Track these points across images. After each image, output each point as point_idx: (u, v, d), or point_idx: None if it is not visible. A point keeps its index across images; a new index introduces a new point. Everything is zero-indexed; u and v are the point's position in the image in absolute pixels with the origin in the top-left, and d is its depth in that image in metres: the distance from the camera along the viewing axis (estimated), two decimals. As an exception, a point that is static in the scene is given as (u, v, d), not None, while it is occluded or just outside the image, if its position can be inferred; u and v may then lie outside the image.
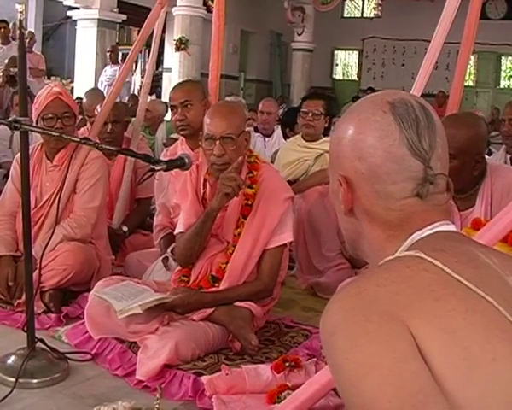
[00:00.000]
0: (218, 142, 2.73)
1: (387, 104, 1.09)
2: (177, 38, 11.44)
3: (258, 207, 2.83)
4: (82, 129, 4.61)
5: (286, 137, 5.77)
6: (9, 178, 3.50)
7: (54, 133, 2.86)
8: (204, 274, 2.85)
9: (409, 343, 0.88)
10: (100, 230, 3.47)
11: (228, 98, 5.56)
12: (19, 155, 3.43)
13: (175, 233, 3.01)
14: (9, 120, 2.46)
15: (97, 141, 3.38)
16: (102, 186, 3.42)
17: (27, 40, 9.87)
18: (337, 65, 19.77)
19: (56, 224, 2.70)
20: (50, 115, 3.24)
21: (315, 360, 2.56)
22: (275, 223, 2.82)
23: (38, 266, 2.49)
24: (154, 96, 11.37)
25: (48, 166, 3.40)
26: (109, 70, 10.33)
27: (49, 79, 13.84)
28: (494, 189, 2.70)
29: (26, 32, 10.14)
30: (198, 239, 2.81)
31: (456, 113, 3.21)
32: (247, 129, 2.92)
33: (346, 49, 19.46)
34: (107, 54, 10.53)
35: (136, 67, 14.74)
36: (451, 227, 1.09)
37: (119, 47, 12.01)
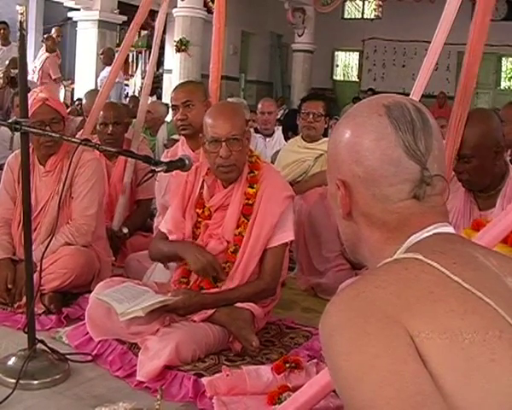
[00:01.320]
0: (224, 143, 2.73)
1: (383, 107, 1.10)
2: (177, 39, 11.46)
3: (259, 206, 2.84)
4: (82, 130, 4.60)
5: (287, 139, 5.78)
6: (1, 184, 3.44)
7: (54, 135, 2.86)
8: (205, 275, 2.86)
9: (407, 345, 0.89)
10: (98, 231, 3.46)
11: (229, 99, 5.55)
12: (10, 158, 3.43)
13: (159, 227, 3.04)
14: (10, 121, 2.46)
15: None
16: (99, 189, 3.40)
17: (52, 43, 10.01)
18: (337, 66, 19.77)
19: (55, 229, 2.68)
20: (38, 123, 3.14)
21: (315, 361, 2.56)
22: (275, 221, 2.82)
23: (39, 268, 2.49)
24: (154, 98, 11.38)
25: (41, 171, 3.35)
26: (105, 72, 10.39)
27: (49, 80, 13.86)
28: None
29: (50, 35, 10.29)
30: (167, 260, 2.99)
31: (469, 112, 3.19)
32: (247, 129, 2.93)
33: (346, 51, 19.46)
34: (100, 57, 10.53)
35: (136, 68, 14.76)
36: (449, 229, 1.09)
37: (119, 49, 12.00)
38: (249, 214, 2.84)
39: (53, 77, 10.03)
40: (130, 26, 4.06)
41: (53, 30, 10.69)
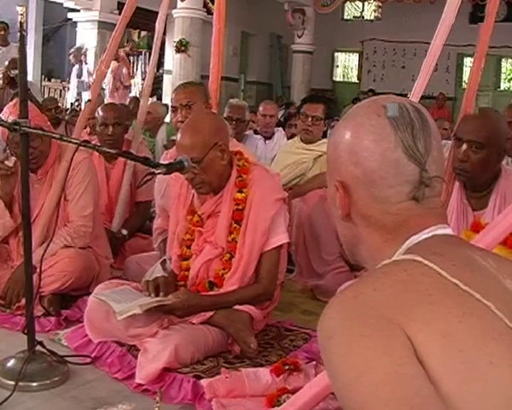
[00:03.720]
0: None
1: (382, 108, 1.09)
2: (177, 40, 11.46)
3: (250, 211, 2.82)
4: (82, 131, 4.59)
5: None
6: None
7: (54, 136, 2.84)
8: (201, 279, 2.85)
9: (405, 347, 0.88)
10: (97, 231, 3.45)
11: (231, 100, 5.54)
12: None
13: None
14: (9, 121, 2.45)
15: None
16: (93, 188, 3.37)
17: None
18: (337, 67, 19.78)
19: (54, 231, 2.66)
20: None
21: (314, 363, 2.56)
22: (267, 225, 2.81)
23: (38, 270, 2.49)
24: (154, 99, 11.40)
25: (33, 179, 3.25)
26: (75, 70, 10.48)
27: (49, 80, 13.88)
28: (508, 191, 2.67)
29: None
30: None
31: (480, 108, 3.18)
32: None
33: (346, 51, 19.47)
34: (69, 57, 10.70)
35: (136, 69, 14.77)
36: (448, 230, 1.09)
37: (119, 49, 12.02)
38: (240, 220, 2.82)
39: (125, 84, 10.51)
40: (119, 20, 3.98)
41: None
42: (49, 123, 3.37)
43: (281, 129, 6.30)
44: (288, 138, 5.68)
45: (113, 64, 10.41)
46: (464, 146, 2.63)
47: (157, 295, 2.71)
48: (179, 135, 2.78)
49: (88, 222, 3.31)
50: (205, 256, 2.85)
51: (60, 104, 8.29)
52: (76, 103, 9.26)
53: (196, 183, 2.75)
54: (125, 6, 3.91)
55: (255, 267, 2.84)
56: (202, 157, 2.70)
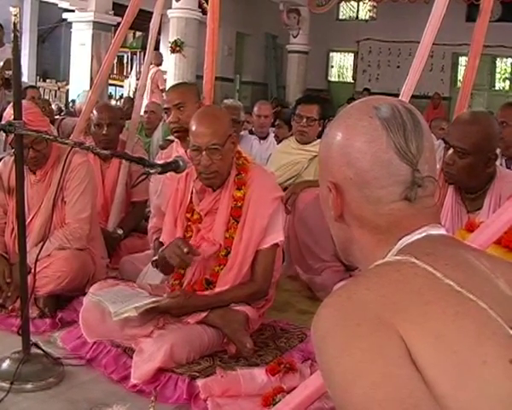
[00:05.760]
0: (204, 153, 2.72)
1: (374, 109, 1.09)
2: (172, 40, 11.46)
3: (248, 208, 2.83)
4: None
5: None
6: None
7: (49, 137, 2.84)
8: (198, 277, 2.86)
9: (399, 348, 0.88)
10: (93, 232, 3.44)
11: (225, 101, 5.53)
12: None
13: (161, 239, 3.02)
14: (3, 123, 2.45)
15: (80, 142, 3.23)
16: (91, 191, 3.37)
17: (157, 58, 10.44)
18: (332, 67, 19.78)
19: (49, 232, 2.65)
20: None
21: (310, 362, 2.56)
22: (264, 223, 2.82)
23: (33, 271, 2.48)
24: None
25: (31, 179, 3.30)
26: None
27: (44, 81, 13.84)
28: (503, 192, 2.66)
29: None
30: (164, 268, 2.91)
31: (468, 111, 3.18)
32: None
33: (341, 51, 19.47)
34: None
35: (131, 69, 14.74)
36: (441, 230, 1.09)
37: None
38: (238, 217, 2.83)
39: (160, 87, 10.75)
40: (120, 25, 4.03)
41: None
42: (51, 126, 3.35)
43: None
44: (277, 140, 5.69)
45: (153, 69, 10.58)
46: (451, 150, 2.64)
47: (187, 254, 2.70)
48: (194, 124, 2.78)
49: (84, 225, 3.30)
50: (202, 253, 2.85)
51: (54, 105, 8.28)
52: (71, 104, 9.23)
53: (211, 171, 2.75)
54: (127, 10, 3.94)
55: (251, 265, 2.84)
56: (223, 143, 2.73)
